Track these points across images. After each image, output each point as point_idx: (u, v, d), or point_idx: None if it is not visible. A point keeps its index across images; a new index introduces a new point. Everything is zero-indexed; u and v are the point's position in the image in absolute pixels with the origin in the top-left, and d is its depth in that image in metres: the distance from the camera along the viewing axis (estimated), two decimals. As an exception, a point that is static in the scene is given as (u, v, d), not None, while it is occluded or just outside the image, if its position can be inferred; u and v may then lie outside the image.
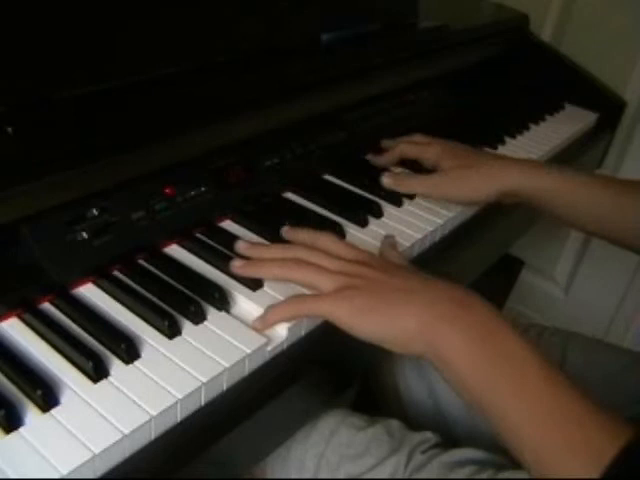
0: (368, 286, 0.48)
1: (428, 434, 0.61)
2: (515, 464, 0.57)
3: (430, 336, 0.46)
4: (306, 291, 0.51)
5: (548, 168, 0.70)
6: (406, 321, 0.47)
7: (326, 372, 0.55)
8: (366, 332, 0.48)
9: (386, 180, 0.70)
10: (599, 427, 0.40)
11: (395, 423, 0.62)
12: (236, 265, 0.52)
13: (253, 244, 0.55)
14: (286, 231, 0.57)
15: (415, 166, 0.75)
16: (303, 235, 0.55)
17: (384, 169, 0.74)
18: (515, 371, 0.44)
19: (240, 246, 0.54)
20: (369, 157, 0.78)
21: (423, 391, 0.72)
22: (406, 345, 0.47)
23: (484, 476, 0.55)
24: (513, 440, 0.43)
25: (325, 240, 0.54)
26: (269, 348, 0.49)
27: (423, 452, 0.58)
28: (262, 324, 0.49)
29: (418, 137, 0.77)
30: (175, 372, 0.44)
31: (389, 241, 0.61)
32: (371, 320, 0.47)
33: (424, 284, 0.49)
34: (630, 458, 0.38)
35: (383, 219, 0.66)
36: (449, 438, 0.63)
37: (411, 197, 0.71)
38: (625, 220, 0.66)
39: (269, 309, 0.50)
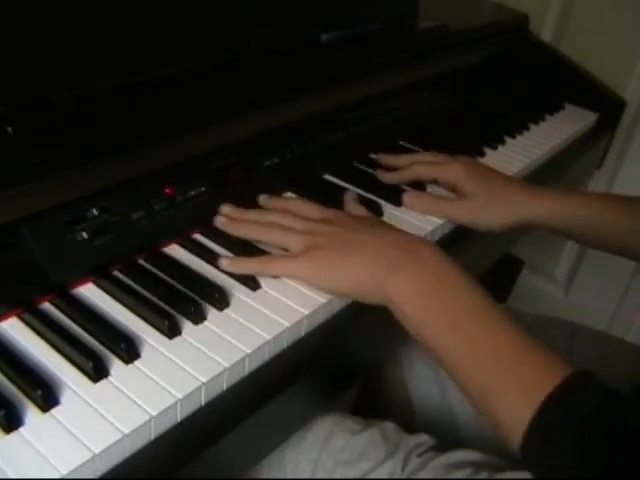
0: (330, 244, 0.53)
1: (424, 437, 0.61)
2: (513, 466, 0.57)
3: (382, 284, 0.50)
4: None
5: (566, 196, 0.69)
6: (359, 272, 0.51)
7: (326, 373, 0.55)
8: (328, 286, 0.52)
9: (407, 199, 0.68)
10: (537, 365, 0.43)
11: (390, 426, 0.62)
12: (220, 221, 0.59)
13: (236, 208, 0.60)
14: (263, 199, 0.63)
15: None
16: (277, 201, 0.62)
17: (383, 169, 0.74)
18: (459, 310, 0.47)
19: (224, 208, 0.60)
20: (378, 172, 0.74)
21: (433, 389, 0.72)
22: (365, 295, 0.52)
23: (480, 478, 0.55)
24: (458, 379, 0.46)
25: (295, 204, 0.60)
26: (269, 348, 0.49)
27: (419, 455, 0.58)
28: (229, 266, 0.54)
29: (431, 156, 0.74)
30: (175, 372, 0.44)
31: (351, 194, 0.66)
32: (331, 275, 0.52)
33: (377, 235, 0.54)
34: (565, 395, 0.40)
35: (383, 219, 0.66)
36: (456, 437, 0.63)
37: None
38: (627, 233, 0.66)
39: (241, 259, 0.54)
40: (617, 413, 0.40)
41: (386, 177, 0.73)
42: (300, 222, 0.56)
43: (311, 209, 0.59)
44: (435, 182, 0.73)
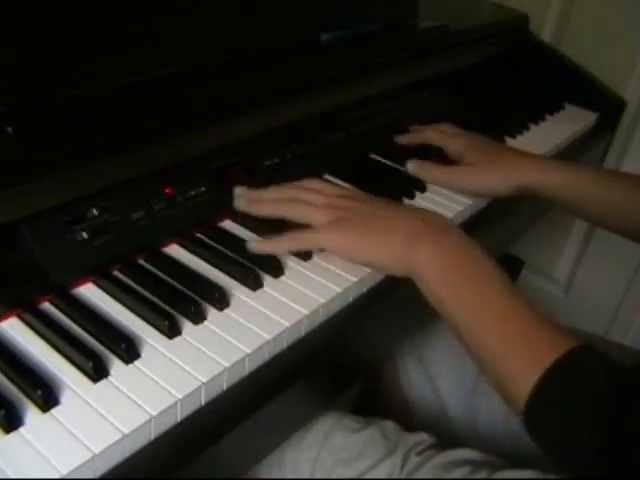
0: (356, 216, 0.55)
1: (423, 435, 0.61)
2: (511, 464, 0.57)
3: (409, 255, 0.52)
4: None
5: (566, 165, 0.72)
6: (391, 244, 0.53)
7: (326, 372, 0.55)
8: (358, 256, 0.54)
9: (411, 166, 0.73)
10: (547, 336, 0.46)
11: (390, 424, 0.62)
12: (238, 202, 0.59)
13: (250, 190, 0.60)
14: (274, 188, 0.61)
15: (438, 157, 0.76)
16: (292, 184, 0.61)
17: (385, 169, 0.74)
18: (478, 285, 0.50)
19: (238, 190, 0.60)
20: (396, 137, 0.80)
21: (427, 390, 0.72)
22: (390, 265, 0.54)
23: (479, 476, 0.55)
24: (476, 349, 0.49)
25: (312, 182, 0.60)
26: (269, 348, 0.49)
27: (418, 453, 0.58)
28: (259, 247, 0.55)
29: (446, 127, 0.79)
30: (175, 372, 0.44)
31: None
32: (361, 245, 0.54)
33: (405, 211, 0.58)
34: (569, 364, 0.43)
35: (383, 219, 0.66)
36: (452, 437, 0.63)
37: (411, 196, 0.71)
38: (637, 213, 0.67)
39: (269, 239, 0.55)
40: (619, 383, 0.42)
41: (400, 138, 0.80)
42: (322, 197, 0.57)
43: (329, 186, 0.60)
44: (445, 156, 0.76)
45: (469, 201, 0.71)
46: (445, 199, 0.71)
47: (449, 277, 0.51)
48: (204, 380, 0.44)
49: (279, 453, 0.59)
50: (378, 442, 0.59)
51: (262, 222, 0.59)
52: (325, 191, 0.58)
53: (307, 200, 0.57)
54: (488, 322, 0.48)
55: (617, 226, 0.70)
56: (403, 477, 0.57)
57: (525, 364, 0.45)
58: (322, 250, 0.57)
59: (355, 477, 0.57)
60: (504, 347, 0.47)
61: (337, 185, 0.61)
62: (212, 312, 0.50)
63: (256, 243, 0.55)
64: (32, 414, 0.40)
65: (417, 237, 0.53)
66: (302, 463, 0.59)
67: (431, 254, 0.52)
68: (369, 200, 0.58)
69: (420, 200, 0.70)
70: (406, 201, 0.70)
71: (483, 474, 0.55)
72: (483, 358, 0.49)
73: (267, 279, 0.54)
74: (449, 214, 0.68)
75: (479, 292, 0.50)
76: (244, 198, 0.59)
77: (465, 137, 0.76)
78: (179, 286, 0.52)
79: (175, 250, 0.57)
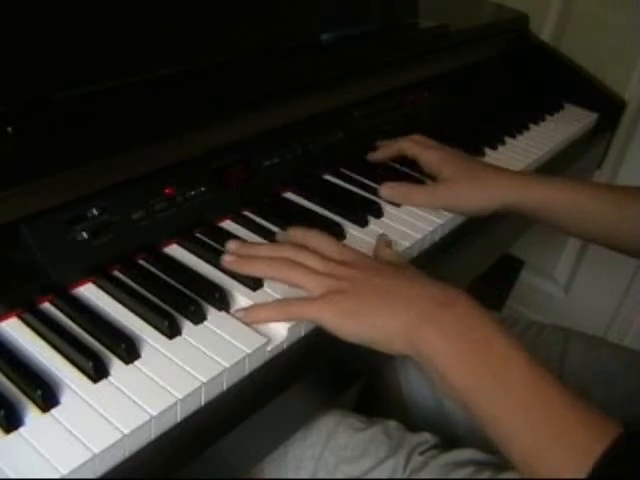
0: (354, 289, 0.49)
1: (426, 435, 0.61)
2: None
3: (412, 336, 0.46)
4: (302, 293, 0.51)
5: (549, 181, 0.69)
6: (387, 323, 0.47)
7: (326, 372, 0.55)
8: (350, 335, 0.48)
9: (384, 191, 0.69)
10: (585, 425, 0.40)
11: (393, 424, 0.62)
12: (227, 259, 0.53)
13: (244, 243, 0.56)
14: (279, 234, 0.59)
15: (415, 168, 0.75)
16: (295, 233, 0.56)
17: (388, 167, 0.74)
18: (498, 368, 0.44)
19: (231, 245, 0.55)
20: (368, 155, 0.77)
21: (426, 392, 0.72)
22: (390, 346, 0.48)
23: (483, 477, 0.55)
24: (501, 439, 0.43)
25: (316, 239, 0.54)
26: (269, 348, 0.49)
27: (421, 453, 0.58)
28: (246, 317, 0.50)
29: (418, 137, 0.75)
30: (175, 372, 0.44)
31: (384, 239, 0.61)
32: (355, 323, 0.48)
33: (408, 284, 0.50)
34: (617, 456, 0.38)
35: (383, 219, 0.66)
36: (451, 439, 0.63)
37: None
38: (630, 227, 0.66)
39: (257, 306, 0.50)
40: None
41: (372, 155, 0.76)
42: (320, 262, 0.51)
43: (332, 247, 0.53)
44: (419, 168, 0.74)
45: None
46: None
47: (461, 362, 0.45)
48: (204, 380, 0.44)
49: (282, 451, 0.59)
50: (381, 441, 0.59)
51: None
52: (326, 253, 0.52)
53: (303, 264, 0.51)
54: (517, 416, 0.42)
55: (614, 241, 0.68)
56: (406, 477, 0.57)
57: (567, 459, 0.40)
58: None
59: (358, 476, 0.57)
60: (539, 441, 0.41)
61: (340, 245, 0.54)
62: (212, 312, 0.50)
63: (242, 313, 0.50)
64: (32, 414, 0.40)
65: (427, 315, 0.46)
66: (305, 461, 0.59)
67: (438, 335, 0.45)
68: (375, 268, 0.52)
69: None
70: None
71: (486, 475, 0.55)
72: (511, 450, 0.42)
73: (266, 280, 0.54)
74: (450, 214, 0.69)
75: (505, 383, 0.43)
76: (235, 253, 0.54)
77: (440, 149, 0.72)
78: (179, 286, 0.52)
79: (175, 250, 0.57)
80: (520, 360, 0.44)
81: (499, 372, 0.44)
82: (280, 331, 0.50)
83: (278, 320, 0.50)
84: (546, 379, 0.43)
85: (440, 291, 0.48)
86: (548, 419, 0.41)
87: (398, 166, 0.77)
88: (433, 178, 0.72)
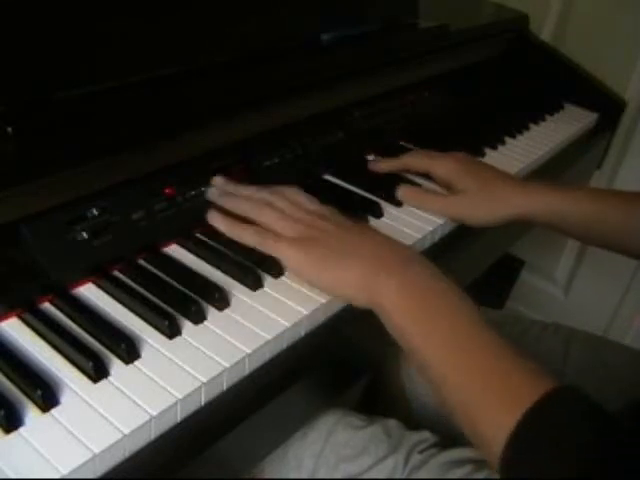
0: (323, 239, 0.53)
1: (426, 433, 0.61)
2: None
3: (371, 288, 0.49)
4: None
5: (562, 192, 0.68)
6: (350, 274, 0.50)
7: (326, 372, 0.55)
8: (316, 282, 0.52)
9: (401, 193, 0.69)
10: (522, 379, 0.42)
11: (393, 422, 0.62)
12: (212, 192, 0.59)
13: (230, 181, 0.60)
14: (257, 189, 0.60)
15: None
16: (277, 187, 0.60)
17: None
18: (446, 324, 0.47)
19: (218, 180, 0.60)
20: (370, 162, 0.76)
21: (428, 387, 0.72)
22: (352, 297, 0.51)
23: (481, 475, 0.55)
24: (445, 390, 0.45)
25: (292, 191, 0.59)
26: (269, 348, 0.49)
27: (421, 452, 0.58)
28: (225, 226, 0.56)
29: (421, 151, 0.75)
30: (175, 372, 0.44)
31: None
32: (320, 271, 0.51)
33: (372, 240, 0.54)
34: (548, 407, 0.40)
35: (383, 219, 0.66)
36: (453, 437, 0.63)
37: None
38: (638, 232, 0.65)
39: (238, 226, 0.56)
40: (598, 427, 0.39)
41: (376, 165, 0.75)
42: (295, 210, 0.56)
43: (308, 201, 0.58)
44: (430, 179, 0.73)
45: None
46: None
47: (416, 312, 0.48)
48: (204, 380, 0.44)
49: (282, 449, 0.59)
50: (381, 440, 0.59)
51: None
52: (303, 205, 0.57)
53: (281, 208, 0.56)
54: (459, 358, 0.45)
55: (625, 247, 0.67)
56: (405, 475, 0.57)
57: (499, 411, 0.41)
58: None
59: (358, 474, 0.57)
60: (477, 393, 0.43)
61: (313, 199, 0.58)
62: (212, 312, 0.50)
63: (223, 223, 0.56)
64: (32, 414, 0.40)
65: (387, 269, 0.49)
66: (305, 459, 0.59)
67: (395, 290, 0.48)
68: (343, 224, 0.55)
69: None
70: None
71: (485, 473, 0.56)
72: (454, 399, 0.45)
73: (267, 279, 0.54)
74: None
75: (448, 326, 0.46)
76: (219, 189, 0.59)
77: (450, 158, 0.71)
78: (179, 286, 0.52)
79: (175, 250, 0.57)
80: (466, 316, 0.47)
81: (445, 327, 0.46)
82: (280, 331, 0.50)
83: (250, 244, 0.55)
84: (491, 332, 0.45)
85: (400, 250, 0.53)
86: (486, 371, 0.44)
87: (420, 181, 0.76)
88: (431, 178, 0.72)
